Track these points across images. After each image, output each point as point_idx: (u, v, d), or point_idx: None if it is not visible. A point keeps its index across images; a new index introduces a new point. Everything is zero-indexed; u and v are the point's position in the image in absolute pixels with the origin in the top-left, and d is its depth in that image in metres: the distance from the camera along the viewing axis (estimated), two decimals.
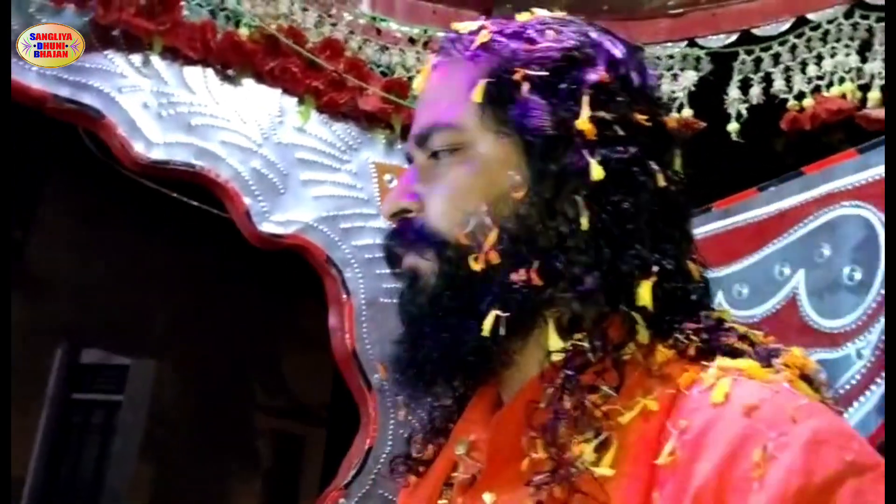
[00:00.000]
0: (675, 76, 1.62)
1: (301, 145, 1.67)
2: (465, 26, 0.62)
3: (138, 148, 1.54)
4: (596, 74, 0.57)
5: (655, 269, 0.53)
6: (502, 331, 0.53)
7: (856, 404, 1.03)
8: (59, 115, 1.54)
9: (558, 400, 0.51)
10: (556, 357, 0.53)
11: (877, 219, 1.07)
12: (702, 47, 1.62)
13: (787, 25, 1.54)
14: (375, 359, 1.54)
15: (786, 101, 1.52)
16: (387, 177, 1.68)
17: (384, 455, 1.54)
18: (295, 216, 1.63)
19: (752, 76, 1.56)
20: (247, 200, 1.60)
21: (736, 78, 1.57)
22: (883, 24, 1.42)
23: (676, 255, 0.56)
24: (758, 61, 1.57)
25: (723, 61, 1.61)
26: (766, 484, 0.43)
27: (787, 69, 1.53)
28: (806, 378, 0.52)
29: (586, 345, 0.52)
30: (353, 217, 1.66)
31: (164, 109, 1.57)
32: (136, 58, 1.57)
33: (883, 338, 1.04)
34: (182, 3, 1.56)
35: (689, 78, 1.61)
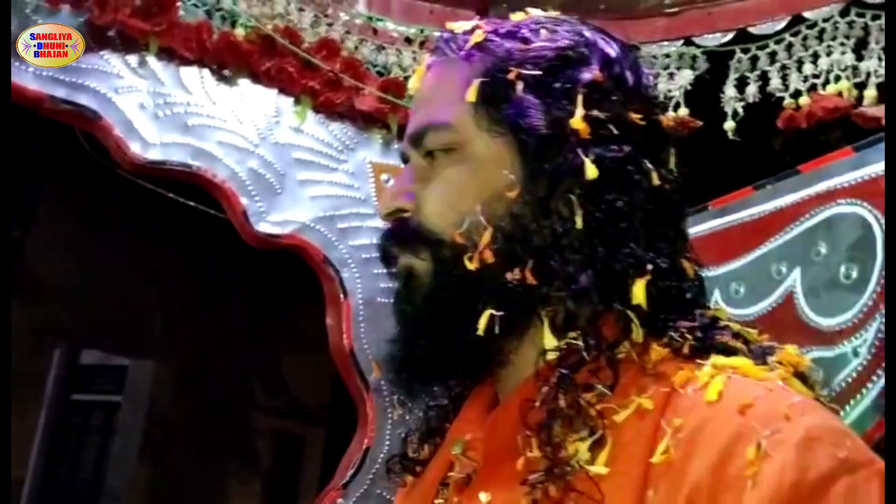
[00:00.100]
0: (671, 75, 1.62)
1: (298, 145, 1.67)
2: (459, 26, 0.63)
3: (135, 148, 1.54)
4: (590, 73, 0.57)
5: (650, 267, 0.53)
6: (497, 330, 0.53)
7: (852, 402, 1.04)
8: (56, 115, 1.54)
9: (553, 399, 0.51)
10: (551, 356, 0.53)
11: (873, 217, 1.07)
12: (698, 46, 1.62)
13: (783, 24, 1.54)
14: (373, 358, 1.54)
15: (782, 99, 1.52)
16: (384, 176, 1.68)
17: (382, 455, 1.55)
18: (292, 216, 1.63)
19: (748, 75, 1.56)
20: (244, 200, 1.60)
21: (732, 76, 1.57)
22: (879, 21, 1.42)
23: (671, 253, 0.56)
24: (754, 60, 1.57)
25: (719, 60, 1.61)
26: (760, 482, 0.43)
27: (784, 67, 1.53)
28: (800, 376, 0.52)
29: (581, 343, 0.52)
30: (350, 217, 1.66)
31: (160, 110, 1.57)
32: (133, 58, 1.57)
33: (880, 336, 1.04)
34: (178, 3, 1.56)
35: (686, 77, 1.61)
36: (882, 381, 1.03)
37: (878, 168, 1.09)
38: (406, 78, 1.69)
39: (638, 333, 0.53)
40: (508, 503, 0.53)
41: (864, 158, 1.11)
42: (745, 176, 1.33)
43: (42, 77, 1.49)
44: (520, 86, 0.57)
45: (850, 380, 1.05)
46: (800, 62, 1.52)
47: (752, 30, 1.57)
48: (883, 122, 1.34)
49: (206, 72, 1.62)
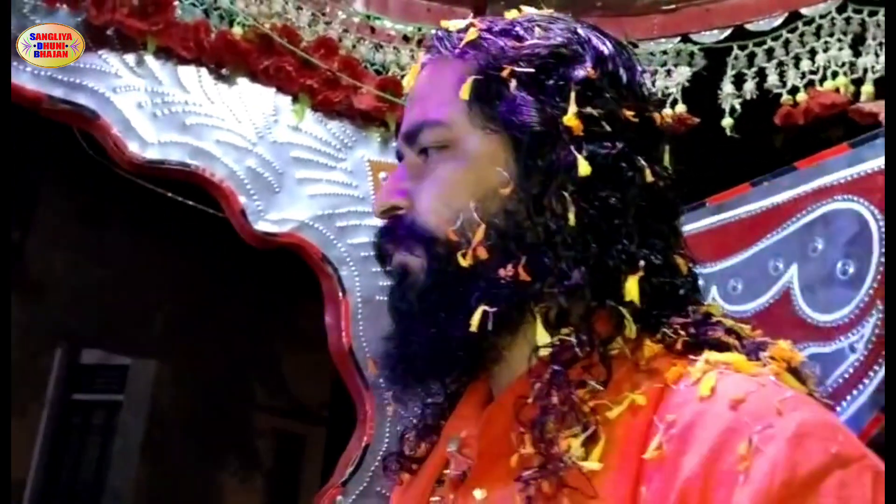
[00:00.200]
0: (668, 72, 1.62)
1: (296, 144, 1.68)
2: (453, 24, 0.63)
3: (133, 148, 1.54)
4: (583, 71, 0.57)
5: (642, 263, 0.53)
6: (490, 326, 0.53)
7: (849, 398, 1.04)
8: (54, 115, 1.54)
9: (546, 395, 0.51)
10: (544, 352, 0.53)
11: (869, 213, 1.07)
12: (695, 43, 1.62)
13: (780, 20, 1.54)
14: (372, 357, 1.54)
15: (779, 96, 1.52)
16: (382, 175, 1.68)
17: (381, 452, 1.55)
18: (290, 215, 1.63)
19: (745, 71, 1.56)
20: (242, 199, 1.60)
21: (729, 73, 1.57)
22: (876, 17, 1.42)
23: (664, 249, 0.56)
24: (751, 56, 1.57)
25: (716, 57, 1.61)
26: (752, 477, 0.43)
27: (781, 64, 1.53)
28: (793, 371, 0.52)
29: (573, 340, 0.52)
30: (349, 215, 1.66)
31: (158, 109, 1.57)
32: (131, 58, 1.57)
33: (877, 332, 1.04)
34: (175, 2, 1.56)
35: (683, 73, 1.61)
36: (879, 377, 1.03)
37: (874, 164, 1.09)
38: (404, 76, 1.69)
39: (631, 330, 0.53)
40: (503, 500, 0.53)
41: (860, 155, 1.11)
42: (743, 172, 1.33)
43: (40, 77, 1.49)
44: (513, 83, 0.57)
45: (846, 375, 1.06)
46: (797, 59, 1.52)
47: (749, 26, 1.57)
48: (880, 117, 1.34)
49: (203, 71, 1.62)
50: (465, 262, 0.55)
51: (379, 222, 0.62)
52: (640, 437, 0.49)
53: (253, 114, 1.65)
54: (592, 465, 0.49)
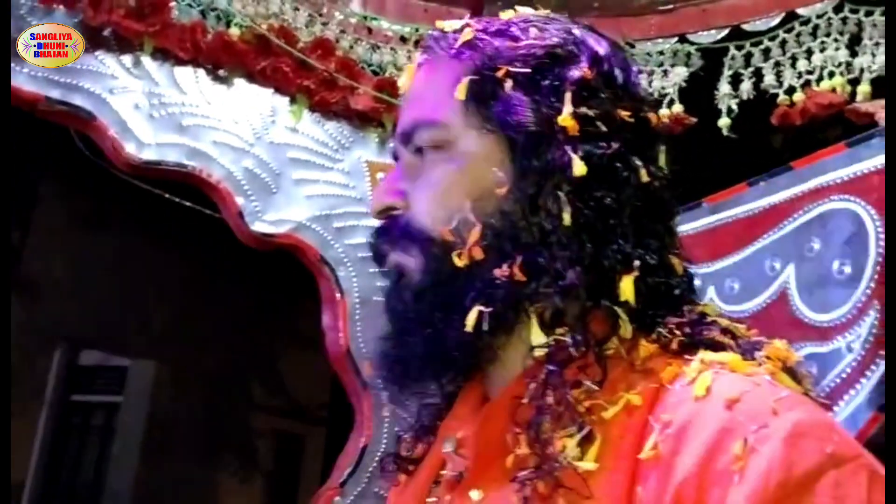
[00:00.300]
0: (665, 72, 1.62)
1: (293, 144, 1.67)
2: (449, 24, 0.63)
3: (130, 149, 1.54)
4: (579, 71, 0.57)
5: (637, 263, 0.53)
6: (486, 326, 0.54)
7: (846, 397, 1.04)
8: (51, 116, 1.54)
9: (541, 395, 0.51)
10: (539, 352, 0.53)
11: (865, 212, 1.08)
12: (692, 43, 1.62)
13: (776, 20, 1.54)
14: (369, 357, 1.55)
15: (776, 96, 1.52)
16: (379, 175, 1.68)
17: (379, 453, 1.55)
18: (287, 215, 1.63)
19: (742, 71, 1.56)
20: (239, 200, 1.60)
21: (726, 73, 1.57)
22: (872, 17, 1.42)
23: (659, 249, 0.56)
24: (748, 57, 1.57)
25: (713, 57, 1.61)
26: (747, 477, 0.43)
27: (778, 64, 1.53)
28: (789, 370, 0.52)
29: (569, 340, 0.52)
30: (346, 216, 1.66)
31: (155, 110, 1.57)
32: (127, 59, 1.57)
33: (874, 331, 1.04)
34: (172, 3, 1.56)
35: (680, 74, 1.61)
36: (876, 376, 1.03)
37: (870, 164, 1.09)
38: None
39: (626, 329, 0.53)
40: (499, 500, 0.53)
41: (856, 154, 1.11)
42: (740, 172, 1.33)
43: (37, 78, 1.49)
44: (509, 83, 0.57)
45: (844, 375, 1.06)
46: (794, 58, 1.52)
47: (745, 26, 1.57)
48: (877, 117, 1.34)
49: (200, 72, 1.62)
50: (460, 263, 0.55)
51: (377, 223, 0.62)
52: (636, 437, 0.49)
53: (250, 115, 1.65)
54: (588, 465, 0.49)
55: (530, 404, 0.52)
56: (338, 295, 1.60)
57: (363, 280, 1.62)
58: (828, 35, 1.48)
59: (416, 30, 1.72)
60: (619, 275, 0.53)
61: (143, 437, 3.97)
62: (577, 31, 0.60)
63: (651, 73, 1.61)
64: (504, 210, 0.55)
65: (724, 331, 0.54)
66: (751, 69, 1.56)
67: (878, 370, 1.04)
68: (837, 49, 1.45)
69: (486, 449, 0.55)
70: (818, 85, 1.46)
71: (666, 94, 1.61)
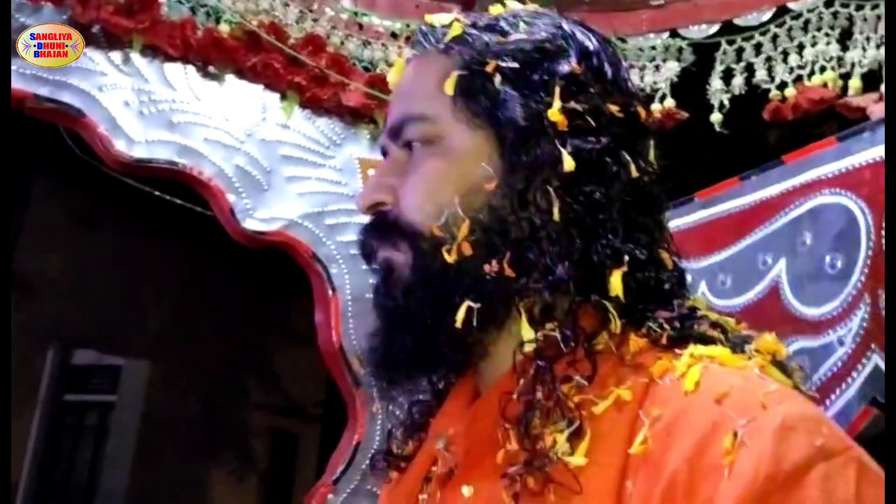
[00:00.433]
0: (657, 67, 1.62)
1: (284, 142, 1.67)
2: (438, 19, 0.63)
3: (119, 146, 1.53)
4: (568, 66, 0.57)
5: (627, 258, 0.53)
6: (475, 322, 0.53)
7: (838, 391, 1.04)
8: (40, 114, 1.53)
9: (531, 390, 0.51)
10: (529, 347, 0.53)
11: (857, 206, 1.08)
12: (684, 38, 1.62)
13: (768, 15, 1.54)
14: (360, 354, 1.54)
15: (768, 90, 1.52)
16: (371, 172, 1.68)
17: (372, 450, 1.55)
18: (279, 213, 1.63)
19: (734, 66, 1.56)
20: (230, 198, 1.59)
21: (718, 68, 1.57)
22: (863, 12, 1.42)
23: (649, 244, 0.56)
24: (740, 51, 1.57)
25: (705, 52, 1.61)
26: (736, 470, 0.43)
27: (769, 59, 1.53)
28: (778, 363, 0.52)
29: (558, 335, 0.52)
30: (338, 213, 1.66)
31: (145, 107, 1.56)
32: (116, 55, 1.56)
33: (864, 325, 1.04)
34: (161, 0, 1.55)
35: (672, 69, 1.61)
36: (867, 370, 1.03)
37: (861, 158, 1.09)
38: None
39: (616, 324, 0.53)
40: (490, 496, 0.53)
41: (847, 148, 1.11)
42: (732, 167, 1.33)
43: (25, 75, 1.47)
44: (498, 78, 0.57)
45: (835, 369, 1.06)
46: (785, 53, 1.52)
47: (737, 21, 1.57)
48: (868, 111, 1.34)
49: (190, 69, 1.61)
50: (449, 258, 0.55)
51: (367, 219, 0.61)
52: (626, 432, 0.49)
53: (241, 111, 1.64)
54: (578, 460, 0.49)
55: (520, 400, 0.52)
56: (330, 292, 1.60)
57: (355, 277, 1.61)
58: (819, 29, 1.48)
59: (408, 25, 1.72)
60: (608, 270, 0.53)
61: (137, 437, 3.96)
62: (566, 26, 0.60)
63: (643, 69, 1.61)
64: (493, 205, 0.55)
65: (714, 325, 0.54)
66: (742, 64, 1.56)
67: (869, 364, 1.04)
68: (828, 44, 1.45)
69: (476, 445, 0.55)
70: (810, 80, 1.46)
71: (658, 90, 1.61)
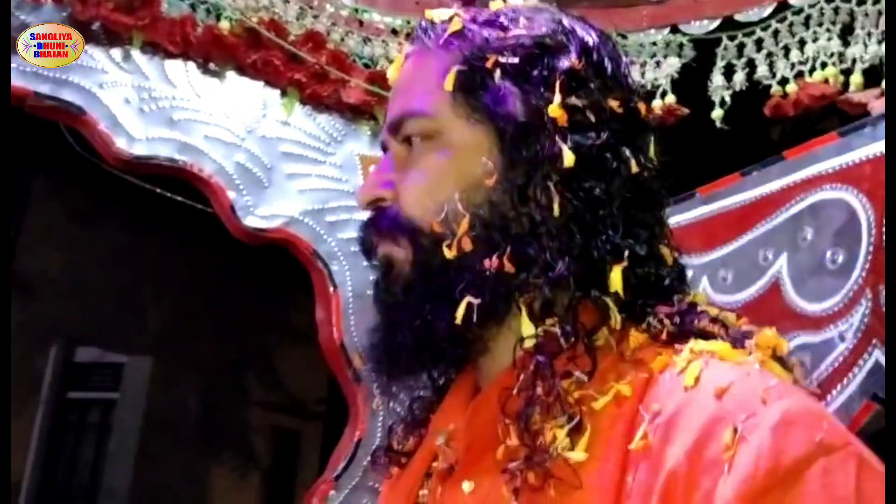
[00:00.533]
0: (658, 63, 1.61)
1: (285, 138, 1.67)
2: (438, 15, 0.62)
3: (120, 144, 1.53)
4: (568, 61, 0.57)
5: (627, 254, 0.53)
6: (475, 318, 0.53)
7: (839, 386, 1.04)
8: (40, 112, 1.52)
9: (531, 386, 0.51)
10: (529, 343, 0.53)
11: (858, 202, 1.07)
12: (684, 34, 1.62)
13: (769, 10, 1.54)
14: (360, 350, 1.54)
15: (769, 86, 1.52)
16: (372, 168, 1.67)
17: (373, 447, 1.55)
18: (280, 210, 1.63)
19: (735, 62, 1.55)
20: (231, 195, 1.59)
21: (719, 64, 1.57)
22: (864, 7, 1.42)
23: (649, 240, 0.56)
24: (741, 47, 1.56)
25: (706, 48, 1.60)
26: (736, 465, 0.43)
27: (770, 55, 1.52)
28: (778, 358, 0.52)
29: (558, 330, 0.52)
30: (339, 210, 1.66)
31: (145, 104, 1.56)
32: (117, 53, 1.55)
33: (866, 320, 1.04)
34: None
35: (672, 64, 1.60)
36: (868, 365, 1.03)
37: (862, 153, 1.09)
38: None
39: (616, 320, 0.53)
40: (490, 491, 0.53)
41: (848, 144, 1.11)
42: (733, 163, 1.33)
43: (26, 73, 1.47)
44: (498, 74, 0.57)
45: (836, 364, 1.06)
46: (786, 49, 1.51)
47: (738, 17, 1.57)
48: (869, 107, 1.34)
49: (191, 65, 1.61)
50: (450, 254, 0.55)
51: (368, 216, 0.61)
52: (626, 428, 0.49)
53: (241, 108, 1.64)
54: (578, 455, 0.49)
55: (520, 395, 0.52)
56: (331, 289, 1.60)
57: (356, 274, 1.61)
58: (820, 25, 1.47)
59: (408, 22, 1.71)
60: (608, 265, 0.53)
61: (139, 434, 3.96)
62: (566, 22, 0.60)
63: (643, 65, 1.61)
64: (493, 201, 0.55)
65: (714, 320, 0.54)
66: (743, 60, 1.55)
67: (870, 359, 1.04)
68: (830, 39, 1.45)
69: (476, 440, 0.55)
70: (811, 76, 1.46)
71: (659, 86, 1.61)
